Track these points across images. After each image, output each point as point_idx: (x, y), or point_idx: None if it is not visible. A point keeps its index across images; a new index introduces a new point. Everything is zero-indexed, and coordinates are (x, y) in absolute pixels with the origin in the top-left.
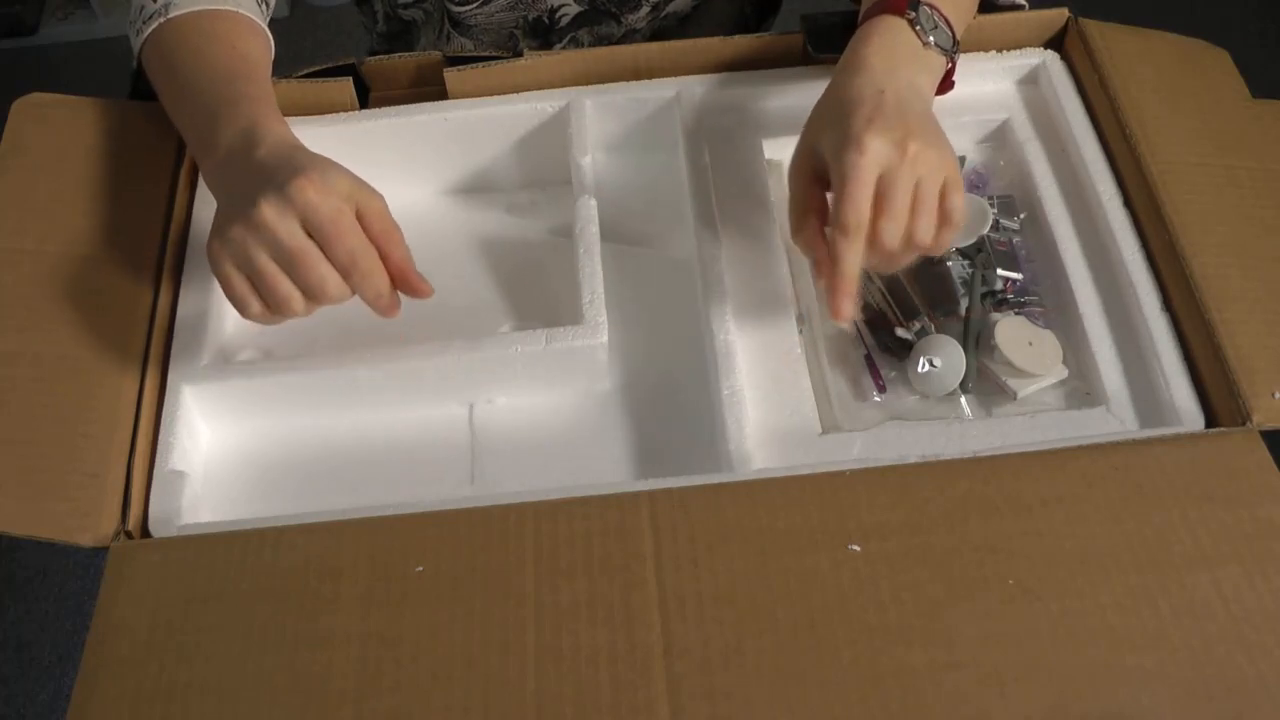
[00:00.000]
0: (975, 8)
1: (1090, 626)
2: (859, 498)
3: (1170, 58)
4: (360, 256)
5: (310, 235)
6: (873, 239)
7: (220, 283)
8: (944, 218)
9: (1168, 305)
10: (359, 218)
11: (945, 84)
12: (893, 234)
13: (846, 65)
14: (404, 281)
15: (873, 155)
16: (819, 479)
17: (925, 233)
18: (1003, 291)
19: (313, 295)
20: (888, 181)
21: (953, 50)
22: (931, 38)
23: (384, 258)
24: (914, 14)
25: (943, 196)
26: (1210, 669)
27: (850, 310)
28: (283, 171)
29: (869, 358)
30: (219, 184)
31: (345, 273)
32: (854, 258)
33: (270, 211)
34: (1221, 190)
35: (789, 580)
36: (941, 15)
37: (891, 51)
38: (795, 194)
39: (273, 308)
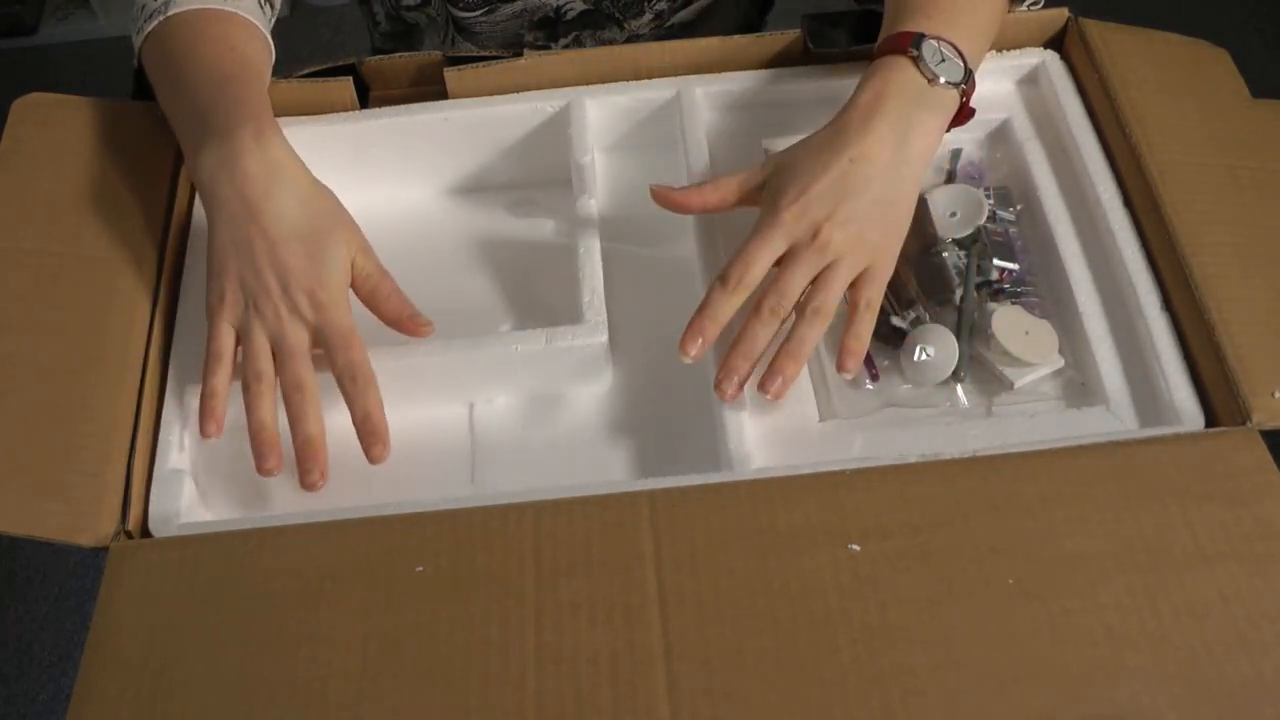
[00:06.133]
0: (997, 24)
1: (1090, 626)
2: (859, 498)
3: (1170, 58)
4: (359, 370)
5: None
6: (758, 304)
7: (210, 334)
8: (857, 302)
9: (1168, 305)
10: (353, 279)
11: (963, 114)
12: (772, 305)
13: (842, 110)
14: (403, 324)
15: (783, 232)
16: (819, 479)
17: (809, 325)
18: (999, 281)
19: (290, 391)
20: (789, 258)
21: (964, 82)
22: (941, 75)
23: (379, 307)
24: (917, 52)
25: (855, 284)
26: (1210, 669)
27: (695, 350)
28: (299, 262)
29: None
30: (208, 191)
31: (340, 380)
32: (722, 308)
33: (284, 311)
34: (1221, 190)
35: (789, 580)
36: (951, 46)
37: (890, 96)
38: (726, 181)
39: (248, 378)
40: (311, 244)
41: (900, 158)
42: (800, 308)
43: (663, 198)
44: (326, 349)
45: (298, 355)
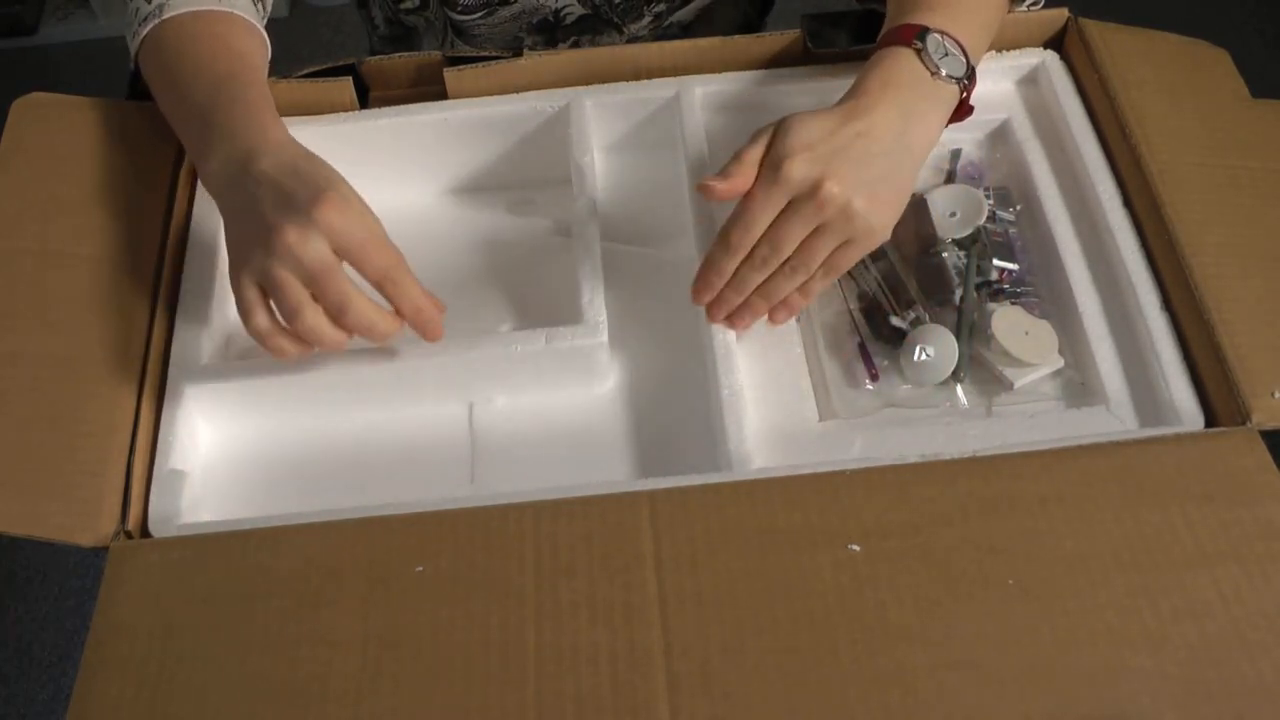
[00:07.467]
0: (998, 22)
1: (1090, 626)
2: (859, 498)
3: (1170, 58)
4: (393, 270)
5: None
6: (752, 251)
7: (236, 298)
8: (827, 268)
9: (1168, 305)
10: None
11: (962, 110)
12: (764, 256)
13: (846, 96)
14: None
15: (784, 188)
16: (819, 479)
17: (787, 279)
18: (998, 282)
19: (336, 312)
20: (787, 211)
21: (965, 77)
22: (943, 69)
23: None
24: (921, 44)
25: (840, 246)
26: (1210, 669)
27: (707, 298)
28: (300, 192)
29: (862, 345)
30: (221, 192)
31: (379, 285)
32: (725, 267)
33: (294, 235)
34: (1221, 190)
35: (789, 580)
36: (955, 41)
37: (893, 85)
38: (741, 152)
39: (287, 317)
40: (306, 173)
41: (903, 144)
42: (782, 263)
43: (710, 191)
44: (352, 259)
45: (328, 271)
